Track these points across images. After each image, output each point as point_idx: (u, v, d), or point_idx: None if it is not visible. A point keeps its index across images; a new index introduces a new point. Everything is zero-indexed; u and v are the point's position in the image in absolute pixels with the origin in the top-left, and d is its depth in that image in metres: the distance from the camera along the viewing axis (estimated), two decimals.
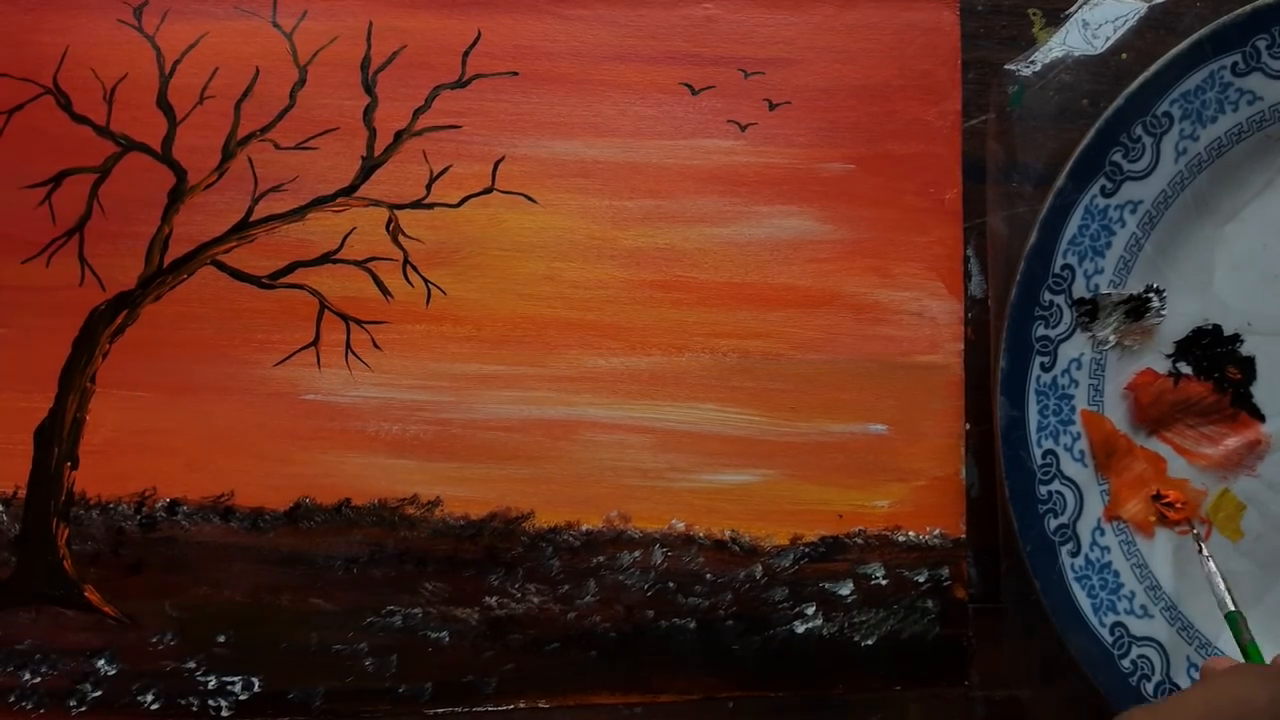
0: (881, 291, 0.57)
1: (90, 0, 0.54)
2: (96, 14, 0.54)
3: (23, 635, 0.54)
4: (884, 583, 0.57)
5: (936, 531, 0.57)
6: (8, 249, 0.54)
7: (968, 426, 0.57)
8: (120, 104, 0.54)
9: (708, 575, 0.56)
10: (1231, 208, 0.56)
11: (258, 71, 0.55)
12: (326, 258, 0.55)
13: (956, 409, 0.57)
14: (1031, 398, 0.54)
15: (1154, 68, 0.53)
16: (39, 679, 0.53)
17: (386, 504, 0.55)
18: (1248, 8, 0.53)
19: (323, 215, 0.55)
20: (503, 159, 0.56)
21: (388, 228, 0.55)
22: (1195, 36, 0.53)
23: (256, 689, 0.54)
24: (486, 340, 0.55)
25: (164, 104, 0.54)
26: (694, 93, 0.56)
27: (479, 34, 0.56)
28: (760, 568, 0.56)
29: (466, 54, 0.56)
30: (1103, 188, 0.53)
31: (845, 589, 0.56)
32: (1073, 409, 0.55)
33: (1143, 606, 0.55)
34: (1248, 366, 0.56)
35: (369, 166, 0.55)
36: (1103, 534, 0.55)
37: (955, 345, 0.57)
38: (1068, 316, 0.54)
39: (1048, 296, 0.54)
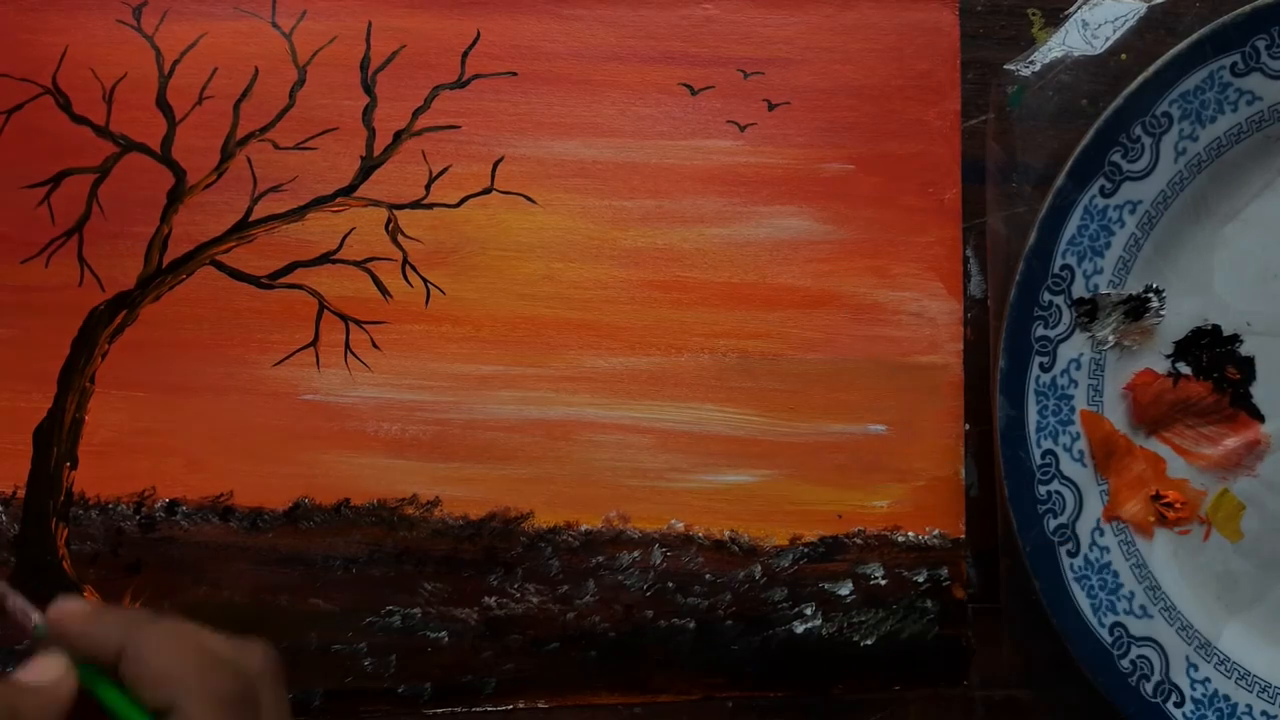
0: (881, 292, 0.57)
1: (90, 0, 0.54)
2: (96, 14, 0.54)
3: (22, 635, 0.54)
4: (883, 583, 0.56)
5: (936, 531, 0.57)
6: (7, 249, 0.54)
7: (967, 427, 0.57)
8: (119, 104, 0.54)
9: (707, 575, 0.56)
10: (1231, 208, 0.56)
11: (257, 71, 0.55)
12: (326, 258, 0.55)
13: (956, 409, 0.57)
14: (1031, 398, 0.54)
15: (1153, 68, 0.53)
16: None
17: (385, 504, 0.55)
18: (1247, 8, 0.53)
19: (322, 215, 0.55)
20: (502, 159, 0.56)
21: (387, 228, 0.55)
22: (1195, 36, 0.53)
23: None
24: (486, 340, 0.55)
25: (163, 104, 0.54)
26: (693, 93, 0.56)
27: (478, 34, 0.56)
28: (759, 568, 0.56)
29: (466, 54, 0.56)
30: (1102, 188, 0.53)
31: (844, 589, 0.56)
32: (1072, 409, 0.55)
33: (1142, 607, 0.55)
34: (1247, 366, 0.56)
35: (368, 166, 0.55)
36: (1102, 534, 0.55)
37: (954, 345, 0.57)
38: (1067, 317, 0.54)
39: (1047, 297, 0.54)
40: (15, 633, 0.43)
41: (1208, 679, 0.55)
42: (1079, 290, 0.54)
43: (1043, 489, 0.54)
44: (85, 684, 0.40)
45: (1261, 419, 0.56)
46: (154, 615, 0.42)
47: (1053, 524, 0.54)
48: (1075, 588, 0.54)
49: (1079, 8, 0.57)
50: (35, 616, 0.42)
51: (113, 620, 0.41)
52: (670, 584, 0.56)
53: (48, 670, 0.40)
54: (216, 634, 0.43)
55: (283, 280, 0.55)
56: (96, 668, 0.41)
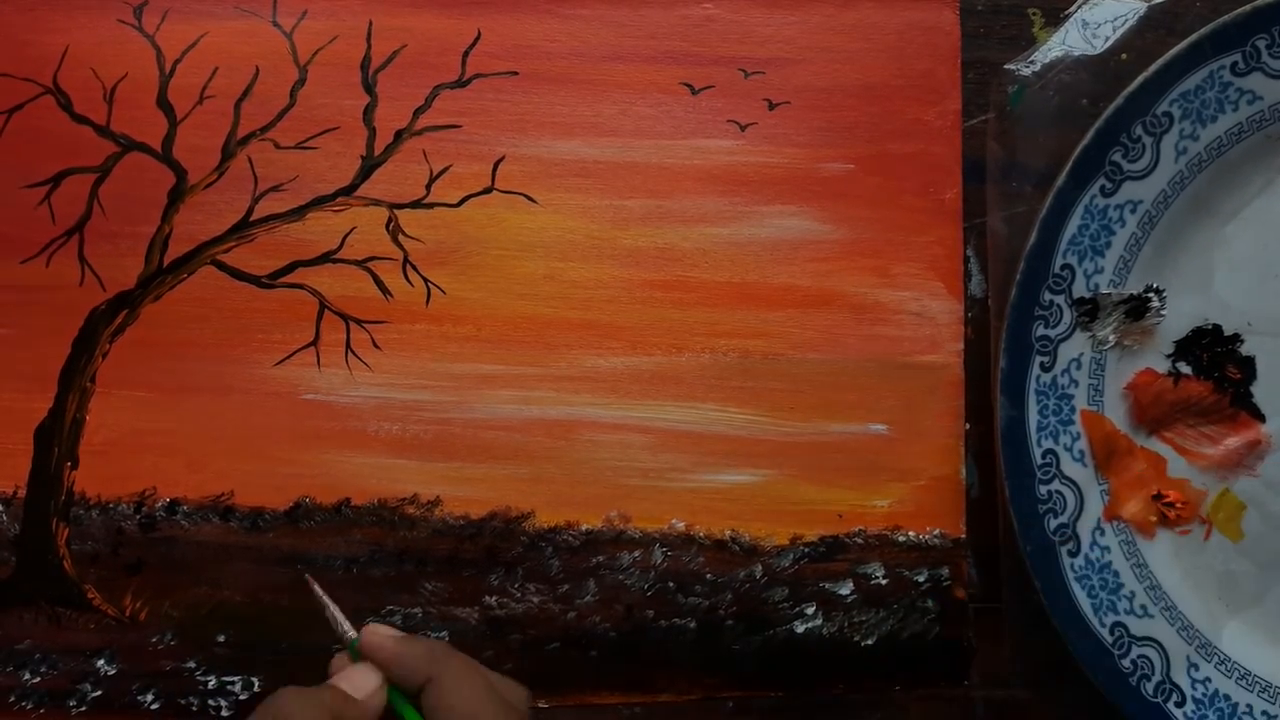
0: (881, 291, 0.57)
1: (91, 0, 0.54)
2: (96, 14, 0.54)
3: (22, 635, 0.54)
4: (884, 582, 0.56)
5: (936, 531, 0.57)
6: (8, 249, 0.54)
7: (968, 426, 0.57)
8: (120, 104, 0.54)
9: (707, 575, 0.56)
10: (1231, 208, 0.56)
11: (258, 71, 0.55)
12: (326, 257, 0.55)
13: (956, 409, 0.57)
14: (1031, 398, 0.54)
15: (1154, 68, 0.53)
16: (39, 679, 0.53)
17: (386, 504, 0.55)
18: (1248, 7, 0.53)
19: (322, 215, 0.55)
20: (503, 159, 0.56)
21: (387, 227, 0.55)
22: (1195, 36, 0.53)
23: (256, 689, 0.54)
24: (486, 340, 0.55)
25: (164, 104, 0.54)
26: (694, 92, 0.56)
27: (479, 33, 0.56)
28: (760, 567, 0.56)
29: (467, 53, 0.56)
30: (1102, 187, 0.53)
31: (845, 589, 0.56)
32: (1072, 409, 0.55)
33: (1142, 606, 0.55)
34: (1248, 366, 0.56)
35: (369, 166, 0.55)
36: (1103, 534, 0.55)
37: (955, 345, 0.57)
38: (1067, 316, 0.54)
39: (1047, 296, 0.54)
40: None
41: (1208, 679, 0.55)
42: (1079, 290, 0.54)
43: (1043, 489, 0.54)
44: (392, 704, 0.45)
45: (1262, 419, 0.56)
46: (451, 650, 0.45)
47: (1053, 524, 0.54)
48: (1076, 587, 0.54)
49: (1079, 7, 0.57)
50: (349, 631, 0.47)
51: (421, 651, 0.45)
52: (671, 584, 0.56)
53: (366, 684, 0.44)
54: (492, 672, 0.47)
55: (283, 280, 0.55)
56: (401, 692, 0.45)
